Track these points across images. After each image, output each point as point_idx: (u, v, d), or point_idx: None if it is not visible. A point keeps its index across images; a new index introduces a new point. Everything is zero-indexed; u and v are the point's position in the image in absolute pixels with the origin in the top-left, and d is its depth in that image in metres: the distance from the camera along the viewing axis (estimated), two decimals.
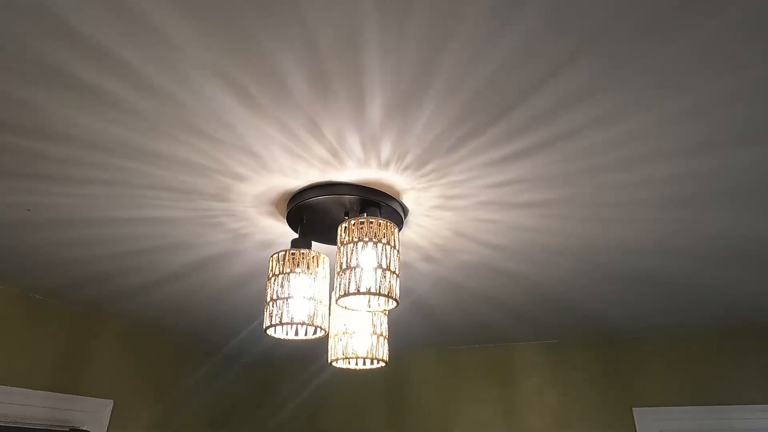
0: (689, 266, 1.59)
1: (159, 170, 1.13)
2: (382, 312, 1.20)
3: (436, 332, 2.42)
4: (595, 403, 2.39)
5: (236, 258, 1.60)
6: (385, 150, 1.05)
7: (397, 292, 1.08)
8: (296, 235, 1.40)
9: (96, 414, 2.13)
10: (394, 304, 1.09)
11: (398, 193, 1.21)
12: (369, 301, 1.16)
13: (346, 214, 1.24)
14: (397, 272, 1.10)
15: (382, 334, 1.23)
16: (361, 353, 1.19)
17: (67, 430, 2.02)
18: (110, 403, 2.19)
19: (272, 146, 1.04)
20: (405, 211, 1.28)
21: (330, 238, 1.35)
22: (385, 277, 1.07)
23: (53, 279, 1.78)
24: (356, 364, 1.26)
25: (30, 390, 1.90)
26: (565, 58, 0.82)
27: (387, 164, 1.10)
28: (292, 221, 1.28)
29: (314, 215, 1.26)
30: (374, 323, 1.23)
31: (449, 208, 1.27)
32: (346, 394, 2.80)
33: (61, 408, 2.00)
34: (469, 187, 1.18)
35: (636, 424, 2.28)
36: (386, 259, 1.09)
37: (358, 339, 1.21)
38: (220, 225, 1.38)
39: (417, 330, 2.39)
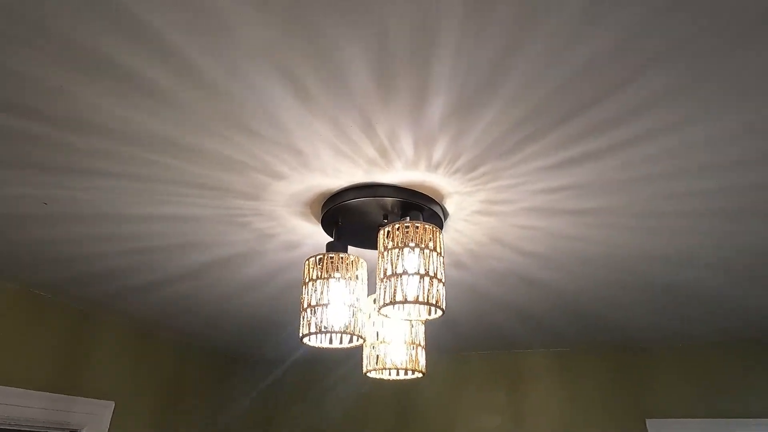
0: (721, 279, 1.56)
1: (192, 166, 1.06)
2: (422, 321, 1.14)
3: (447, 337, 2.37)
4: (607, 412, 2.36)
5: (255, 259, 1.53)
6: (438, 152, 0.99)
7: (443, 300, 1.02)
8: (326, 236, 1.34)
9: (96, 416, 2.04)
10: (439, 313, 1.04)
11: (441, 197, 1.16)
12: (409, 310, 1.11)
13: (385, 218, 1.18)
14: (443, 280, 1.04)
15: (420, 344, 1.17)
16: (399, 364, 1.14)
17: None
18: (111, 404, 2.11)
19: (318, 144, 0.98)
20: (445, 215, 1.23)
21: (364, 242, 1.29)
22: (432, 285, 1.01)
23: (57, 275, 1.69)
24: (392, 374, 1.21)
25: (28, 390, 1.81)
26: (644, 64, 0.77)
27: (437, 167, 1.04)
28: (326, 223, 1.22)
29: (350, 218, 1.20)
30: (412, 332, 1.17)
31: (491, 213, 1.22)
32: (350, 399, 2.74)
33: (59, 410, 1.91)
34: (517, 192, 1.12)
35: None
36: (432, 265, 1.03)
37: (395, 349, 1.15)
38: (246, 225, 1.32)
39: (427, 334, 2.34)
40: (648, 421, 2.28)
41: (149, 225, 1.33)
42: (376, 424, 2.63)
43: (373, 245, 1.31)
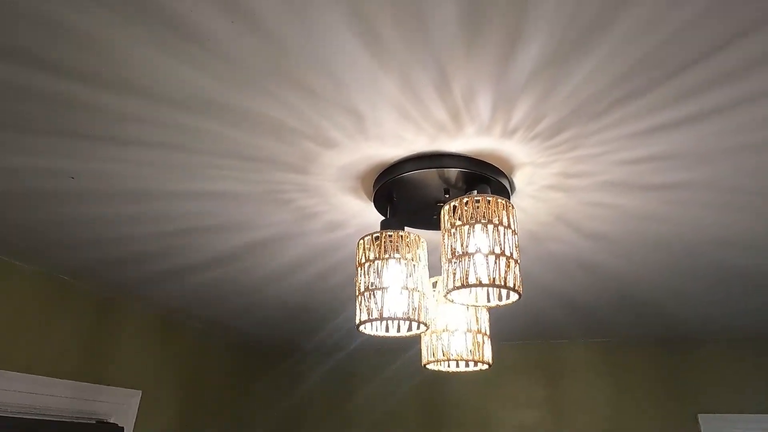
0: None
1: (233, 132, 0.94)
2: (490, 307, 1.03)
3: None
4: (655, 407, 2.23)
5: (293, 242, 1.42)
6: (518, 114, 0.87)
7: (520, 283, 0.90)
8: (374, 216, 1.23)
9: (123, 405, 1.96)
10: (514, 297, 0.92)
11: (511, 168, 1.03)
12: (478, 295, 0.99)
13: (446, 193, 1.06)
14: (518, 260, 0.92)
15: (485, 333, 1.05)
16: (463, 354, 1.02)
17: (94, 422, 1.86)
18: (138, 393, 2.03)
19: (382, 106, 0.85)
20: (512, 190, 1.10)
21: (419, 222, 1.17)
22: (509, 266, 0.89)
23: (82, 258, 1.60)
24: (453, 366, 1.09)
25: (54, 379, 1.73)
26: (758, 18, 0.64)
27: (513, 132, 0.91)
28: (379, 200, 1.10)
29: (407, 193, 1.08)
30: (477, 319, 1.05)
31: (564, 188, 1.09)
32: (380, 393, 2.64)
33: (86, 399, 1.84)
34: (598, 162, 0.99)
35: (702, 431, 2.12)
36: (508, 244, 0.91)
37: (458, 338, 1.04)
38: (288, 202, 1.20)
39: None
40: (700, 417, 2.15)
41: (183, 204, 1.22)
42: (407, 420, 2.53)
43: (429, 226, 1.19)
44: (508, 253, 0.90)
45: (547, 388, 2.42)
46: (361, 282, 0.97)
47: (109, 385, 1.92)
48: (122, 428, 1.88)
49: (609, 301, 1.84)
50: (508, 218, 0.94)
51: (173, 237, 1.41)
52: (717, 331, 2.14)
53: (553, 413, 2.36)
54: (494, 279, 0.87)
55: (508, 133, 0.92)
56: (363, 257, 0.99)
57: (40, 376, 1.69)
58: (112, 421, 1.89)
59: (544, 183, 1.08)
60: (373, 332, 1.00)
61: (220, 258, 1.56)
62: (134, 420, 1.98)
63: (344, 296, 1.88)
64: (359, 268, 0.99)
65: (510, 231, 0.93)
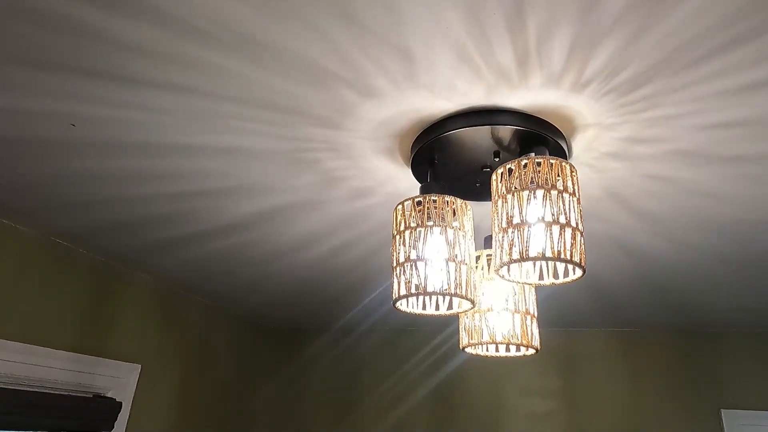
0: None
1: (263, 74, 0.82)
2: (545, 285, 0.91)
3: None
4: (675, 401, 2.15)
5: (314, 210, 1.30)
6: (596, 62, 0.74)
7: (584, 256, 0.79)
8: (407, 183, 1.11)
9: (122, 380, 1.87)
10: (579, 274, 0.81)
11: (573, 130, 0.91)
12: (529, 271, 0.88)
13: (497, 156, 0.94)
14: (583, 231, 0.81)
15: (533, 314, 0.94)
16: (510, 338, 0.91)
17: (90, 396, 1.76)
18: (137, 368, 1.93)
19: (440, 44, 0.73)
20: (569, 155, 0.98)
21: (459, 190, 1.05)
22: (575, 238, 0.77)
23: (83, 221, 1.48)
24: (493, 350, 0.98)
25: (52, 350, 1.63)
26: None
27: (586, 84, 0.79)
28: (418, 162, 0.98)
29: (450, 155, 0.96)
30: (525, 299, 0.94)
31: (626, 156, 0.97)
32: (388, 380, 2.55)
33: (83, 371, 1.73)
34: (674, 126, 0.87)
35: (724, 428, 2.03)
36: (573, 213, 0.79)
37: (504, 319, 0.93)
38: (314, 163, 1.08)
39: None
40: (723, 412, 2.06)
41: (198, 161, 1.10)
42: (417, 405, 2.44)
43: (470, 195, 1.07)
44: (573, 224, 0.79)
45: (562, 377, 2.33)
46: (400, 252, 0.86)
47: (108, 357, 1.82)
48: (120, 403, 1.79)
49: (638, 288, 1.74)
50: (573, 184, 0.82)
51: (183, 199, 1.29)
52: (745, 323, 2.05)
53: (568, 403, 2.28)
54: (559, 252, 0.75)
55: (580, 86, 0.80)
56: (403, 224, 0.87)
57: (36, 346, 1.58)
58: (110, 396, 1.80)
59: (606, 149, 0.96)
60: (410, 309, 0.89)
61: (231, 226, 1.44)
62: (133, 395, 1.89)
63: (359, 274, 1.77)
64: (397, 236, 0.87)
65: (575, 199, 0.81)
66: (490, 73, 0.78)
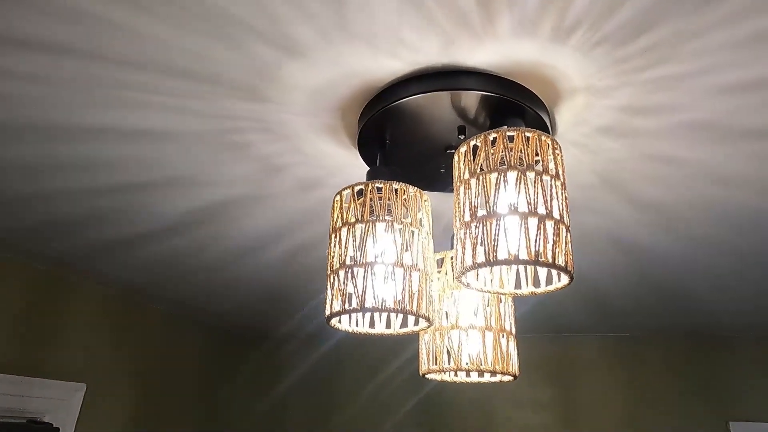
0: None
1: (153, 25, 0.62)
2: (522, 295, 0.72)
3: None
4: (678, 412, 1.96)
5: (261, 205, 1.11)
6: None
7: (571, 258, 0.60)
8: (363, 170, 0.92)
9: (63, 401, 1.66)
10: (566, 280, 0.61)
11: (557, 96, 0.72)
12: (504, 277, 0.68)
13: (461, 133, 0.75)
14: (569, 225, 0.62)
15: (510, 332, 0.75)
16: (480, 362, 0.71)
17: (23, 422, 1.56)
18: (82, 387, 1.72)
19: None
20: (553, 131, 0.79)
21: (420, 178, 0.86)
22: (558, 235, 0.58)
23: (7, 224, 1.28)
24: (464, 376, 0.79)
25: None
26: None
27: (571, 30, 0.60)
28: (366, 142, 0.79)
29: (405, 133, 0.76)
30: (500, 313, 0.75)
31: (625, 132, 0.78)
32: (368, 389, 2.35)
33: (15, 394, 1.53)
34: (687, 89, 0.68)
35: None
36: (557, 202, 0.60)
37: (473, 339, 0.73)
38: (245, 148, 0.89)
39: None
40: (732, 425, 1.88)
41: (114, 146, 0.90)
42: (401, 419, 2.24)
43: (433, 185, 0.88)
44: (556, 215, 0.60)
45: (555, 388, 2.14)
46: (335, 256, 0.66)
47: (46, 377, 1.62)
48: (57, 429, 1.58)
49: (635, 289, 1.55)
50: (557, 164, 0.63)
51: (112, 195, 1.09)
52: (757, 326, 1.86)
53: (563, 415, 2.09)
54: (537, 254, 0.56)
55: (563, 33, 0.60)
56: (339, 220, 0.68)
57: None
58: (46, 420, 1.59)
59: (599, 122, 0.77)
60: (350, 329, 0.70)
61: (172, 226, 1.24)
62: (76, 418, 1.68)
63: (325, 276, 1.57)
64: (333, 236, 0.68)
65: (559, 183, 0.62)
66: (445, 17, 0.59)
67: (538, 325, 2.07)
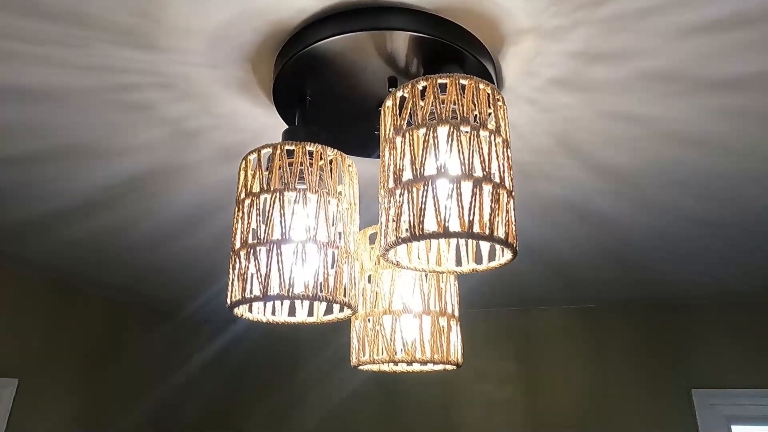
0: None
1: None
2: (461, 273, 0.62)
3: None
4: (642, 382, 1.94)
5: (182, 176, 0.98)
6: None
7: (514, 232, 0.50)
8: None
9: None
10: (510, 255, 0.52)
11: (501, 41, 0.61)
12: (442, 254, 0.58)
13: (393, 85, 0.64)
14: (513, 191, 0.52)
15: (452, 315, 0.65)
16: (417, 352, 0.62)
17: None
18: (13, 383, 1.58)
19: None
20: (500, 84, 0.68)
21: (352, 144, 0.75)
22: (498, 202, 0.48)
23: None
24: (404, 367, 0.69)
25: None
26: None
27: None
28: (283, 98, 0.67)
29: (327, 86, 0.65)
30: (440, 293, 0.65)
31: (582, 84, 0.68)
32: (325, 369, 2.26)
33: None
34: (648, 31, 0.58)
35: (695, 408, 1.84)
36: (496, 162, 0.50)
37: (409, 324, 0.64)
38: (146, 108, 0.75)
39: None
40: (694, 392, 1.87)
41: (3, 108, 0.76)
42: (357, 402, 2.17)
43: (369, 150, 0.77)
44: (496, 179, 0.49)
45: (519, 361, 2.10)
46: (237, 233, 0.55)
47: None
48: None
49: (597, 259, 1.48)
50: (497, 117, 0.52)
51: (16, 166, 0.94)
52: (716, 293, 1.84)
53: (527, 388, 2.05)
54: (471, 224, 0.46)
55: None
56: (243, 191, 0.56)
57: None
58: None
59: (552, 73, 0.66)
60: (257, 317, 0.59)
61: (89, 201, 1.10)
62: (6, 417, 1.55)
63: None
64: (236, 209, 0.56)
65: (500, 140, 0.52)
66: None
67: (501, 298, 2.02)
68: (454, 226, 0.46)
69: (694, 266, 1.53)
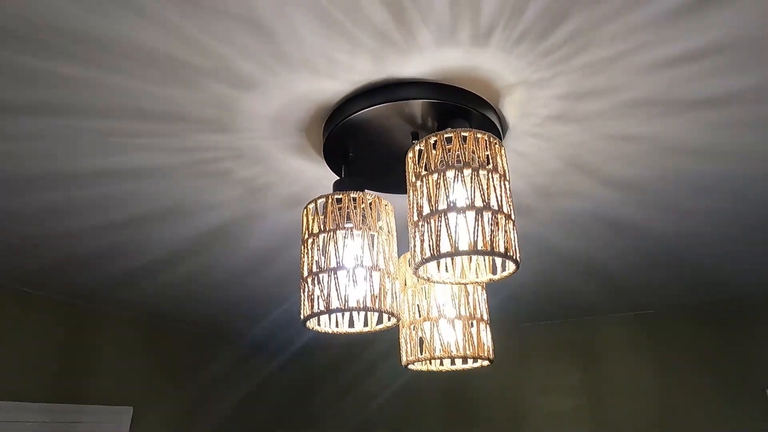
0: None
1: (121, 79, 0.70)
2: (482, 283, 0.76)
3: (505, 305, 1.97)
4: (711, 385, 1.92)
5: (254, 224, 1.18)
6: (490, 2, 0.59)
7: (516, 247, 0.64)
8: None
9: (112, 425, 1.79)
10: (512, 268, 0.65)
11: (497, 95, 0.76)
12: (463, 268, 0.73)
13: (415, 138, 0.80)
14: (512, 216, 0.66)
15: (482, 318, 0.79)
16: (454, 349, 0.76)
17: None
18: (129, 410, 1.85)
19: (292, 10, 0.60)
20: (503, 128, 0.83)
21: (390, 184, 0.91)
22: (498, 223, 0.62)
23: (35, 265, 1.40)
24: (445, 364, 0.83)
25: (23, 402, 1.56)
26: None
27: (488, 34, 0.64)
28: (331, 156, 0.85)
29: (364, 144, 0.82)
30: (469, 302, 0.79)
31: (575, 117, 0.81)
32: (397, 387, 2.40)
33: (66, 421, 1.66)
34: (618, 70, 0.71)
35: None
36: (495, 194, 0.64)
37: (446, 328, 0.78)
38: (225, 174, 0.96)
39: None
40: None
41: (104, 188, 0.99)
42: (428, 411, 2.28)
43: (401, 187, 0.93)
44: (494, 206, 0.64)
45: (582, 372, 2.13)
46: (305, 264, 0.72)
47: (90, 403, 1.74)
48: None
49: (644, 265, 1.54)
50: (494, 158, 0.67)
51: (115, 229, 1.19)
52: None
53: (592, 399, 2.08)
54: (475, 244, 0.60)
55: (482, 38, 0.65)
56: (306, 232, 0.74)
57: (6, 402, 1.52)
58: None
59: (547, 112, 0.80)
60: (324, 329, 0.76)
61: (179, 251, 1.34)
62: None
63: None
64: (302, 247, 0.74)
65: (497, 176, 0.66)
66: (369, 38, 0.64)
67: (558, 311, 2.08)
68: (463, 245, 0.61)
69: (739, 266, 1.54)
